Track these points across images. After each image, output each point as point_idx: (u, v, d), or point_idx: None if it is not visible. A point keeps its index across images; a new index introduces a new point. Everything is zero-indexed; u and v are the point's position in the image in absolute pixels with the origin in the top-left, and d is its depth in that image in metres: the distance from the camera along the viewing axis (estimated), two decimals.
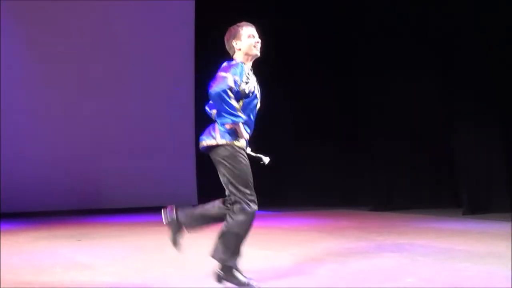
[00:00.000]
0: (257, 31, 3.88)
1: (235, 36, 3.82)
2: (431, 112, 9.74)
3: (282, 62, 10.85)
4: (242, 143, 3.71)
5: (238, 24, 3.88)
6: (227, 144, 3.66)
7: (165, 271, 4.37)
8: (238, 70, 3.69)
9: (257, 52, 3.82)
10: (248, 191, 3.61)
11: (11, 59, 9.72)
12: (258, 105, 3.88)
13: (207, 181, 10.91)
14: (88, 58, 10.39)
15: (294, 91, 11.02)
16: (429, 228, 6.98)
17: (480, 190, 8.90)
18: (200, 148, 3.86)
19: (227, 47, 3.90)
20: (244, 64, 3.78)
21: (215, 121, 3.77)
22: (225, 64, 3.81)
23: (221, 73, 3.68)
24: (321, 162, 10.69)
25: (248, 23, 3.89)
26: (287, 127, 11.04)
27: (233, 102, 3.62)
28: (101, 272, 4.32)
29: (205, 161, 11.86)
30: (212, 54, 10.77)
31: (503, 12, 8.30)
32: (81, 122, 10.18)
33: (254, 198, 3.64)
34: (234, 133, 3.66)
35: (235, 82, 3.63)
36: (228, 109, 3.60)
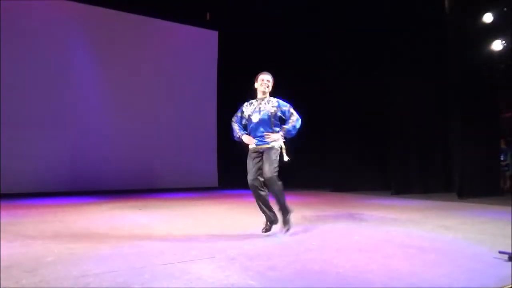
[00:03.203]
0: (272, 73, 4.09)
1: (256, 80, 4.04)
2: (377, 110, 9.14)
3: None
4: (251, 147, 3.98)
5: (260, 73, 4.08)
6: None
7: (197, 229, 4.39)
8: (245, 104, 4.10)
9: (263, 89, 4.00)
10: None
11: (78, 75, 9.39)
12: (255, 120, 3.99)
13: (225, 169, 11.00)
14: (144, 78, 10.15)
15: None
16: (370, 204, 6.95)
17: (404, 177, 8.90)
18: None
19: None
20: (256, 99, 4.04)
21: None
22: None
23: None
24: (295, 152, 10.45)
25: (264, 72, 4.06)
26: None
27: (234, 125, 4.08)
28: (155, 230, 4.33)
29: (223, 154, 11.67)
30: (231, 73, 10.78)
31: None
32: (141, 127, 10.16)
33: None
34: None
35: (240, 110, 4.10)
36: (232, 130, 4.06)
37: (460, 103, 7.81)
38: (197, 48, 11.00)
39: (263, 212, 4.00)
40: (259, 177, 3.86)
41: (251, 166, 3.91)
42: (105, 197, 8.31)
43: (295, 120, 3.91)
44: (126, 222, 4.85)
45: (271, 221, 4.01)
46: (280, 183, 3.83)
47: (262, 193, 3.90)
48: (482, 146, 7.77)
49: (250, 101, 4.10)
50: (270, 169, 3.76)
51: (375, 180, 9.68)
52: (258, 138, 3.94)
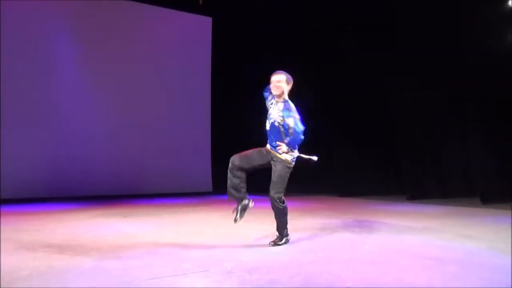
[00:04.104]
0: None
1: (270, 80, 4.07)
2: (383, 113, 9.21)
3: None
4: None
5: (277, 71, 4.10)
6: None
7: (190, 239, 4.40)
8: (270, 97, 4.16)
9: (275, 92, 4.02)
10: None
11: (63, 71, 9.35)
12: (267, 126, 4.05)
13: (220, 171, 10.92)
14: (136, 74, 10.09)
15: None
16: (382, 210, 6.96)
17: (420, 180, 8.89)
18: None
19: None
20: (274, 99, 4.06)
21: None
22: None
23: None
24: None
25: (277, 72, 4.08)
26: None
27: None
28: (142, 240, 4.34)
29: (218, 155, 11.55)
30: (226, 64, 10.73)
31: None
32: (126, 130, 10.07)
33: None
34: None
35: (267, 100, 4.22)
36: None
37: (481, 101, 7.82)
38: (189, 36, 10.95)
39: (231, 195, 3.99)
40: (244, 166, 3.92)
41: (250, 152, 3.99)
42: (87, 203, 8.28)
43: (292, 133, 3.91)
44: (110, 232, 4.85)
45: (242, 203, 4.00)
46: (284, 205, 3.92)
47: (235, 180, 3.94)
48: (509, 144, 7.77)
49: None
50: (275, 188, 3.87)
51: (388, 183, 9.65)
52: (272, 146, 4.00)
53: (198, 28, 11.13)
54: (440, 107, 8.60)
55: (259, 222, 5.22)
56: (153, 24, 10.50)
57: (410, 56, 8.62)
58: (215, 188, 10.95)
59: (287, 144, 3.91)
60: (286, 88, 4.03)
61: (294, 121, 3.90)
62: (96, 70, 9.78)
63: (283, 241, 4.01)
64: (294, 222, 5.08)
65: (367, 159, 9.59)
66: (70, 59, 9.58)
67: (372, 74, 9.24)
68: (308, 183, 10.55)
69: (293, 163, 3.97)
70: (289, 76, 4.08)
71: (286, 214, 3.97)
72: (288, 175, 3.93)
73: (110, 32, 9.96)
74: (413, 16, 8.66)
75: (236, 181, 3.94)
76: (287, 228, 4.04)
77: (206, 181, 11.07)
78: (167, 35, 10.67)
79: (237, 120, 10.13)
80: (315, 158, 4.03)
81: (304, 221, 5.53)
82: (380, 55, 9.03)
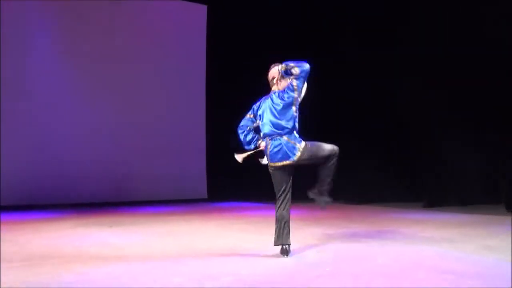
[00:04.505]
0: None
1: (267, 74, 4.22)
2: (409, 116, 9.21)
3: None
4: None
5: (271, 65, 4.22)
6: None
7: (182, 251, 4.37)
8: None
9: (274, 88, 4.18)
10: None
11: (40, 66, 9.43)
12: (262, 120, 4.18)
13: (216, 177, 10.92)
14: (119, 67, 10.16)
15: None
16: (395, 218, 6.94)
17: (438, 185, 8.86)
18: None
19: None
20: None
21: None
22: None
23: None
24: None
25: (274, 65, 4.19)
26: None
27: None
28: (129, 252, 4.32)
29: (214, 159, 11.55)
30: (222, 56, 10.73)
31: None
32: (113, 130, 10.11)
33: None
34: None
35: None
36: None
37: (498, 100, 7.85)
38: (182, 25, 10.96)
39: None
40: None
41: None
42: (68, 211, 8.27)
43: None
44: (93, 243, 4.84)
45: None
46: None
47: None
48: None
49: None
50: (325, 147, 4.19)
51: (401, 189, 9.63)
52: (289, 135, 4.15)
53: (192, 15, 11.13)
54: (453, 107, 8.63)
55: (258, 232, 5.19)
56: (142, 13, 10.51)
57: (420, 56, 8.77)
58: (210, 195, 10.95)
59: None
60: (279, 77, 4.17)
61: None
62: (75, 64, 9.77)
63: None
64: (299, 232, 5.06)
65: (376, 162, 9.58)
66: (45, 51, 9.55)
67: (378, 75, 9.40)
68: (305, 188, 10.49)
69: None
70: (278, 65, 4.14)
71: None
72: None
73: (93, 22, 9.96)
74: (412, 17, 8.92)
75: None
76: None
77: (200, 187, 11.06)
78: (157, 23, 10.69)
79: (234, 120, 10.12)
80: (264, 162, 4.11)
81: (309, 231, 5.50)
82: (382, 55, 9.25)
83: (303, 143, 4.01)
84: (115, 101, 10.12)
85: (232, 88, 10.19)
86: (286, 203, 4.05)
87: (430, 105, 8.80)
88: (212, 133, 10.89)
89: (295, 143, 3.98)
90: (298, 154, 3.96)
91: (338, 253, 4.17)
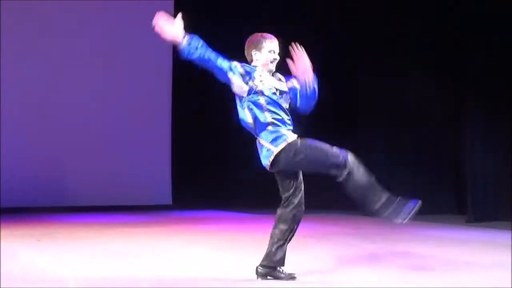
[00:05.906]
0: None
1: (256, 46, 4.12)
2: (435, 112, 9.69)
3: None
4: None
5: (262, 34, 4.16)
6: None
7: (138, 275, 4.36)
8: None
9: (272, 68, 4.12)
10: None
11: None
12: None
13: (183, 179, 10.91)
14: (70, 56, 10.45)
15: None
16: (429, 237, 6.97)
17: (487, 197, 8.91)
18: None
19: (245, 53, 4.18)
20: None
21: None
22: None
23: None
24: None
25: (273, 37, 4.14)
26: None
27: None
28: (60, 275, 4.32)
29: (180, 158, 11.68)
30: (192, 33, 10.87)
31: None
32: (49, 121, 10.25)
33: None
34: None
35: None
36: None
37: None
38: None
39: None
40: None
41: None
42: None
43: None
44: (16, 264, 4.80)
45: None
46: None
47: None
48: None
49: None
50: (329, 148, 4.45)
51: (437, 199, 9.65)
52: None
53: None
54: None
55: (244, 250, 5.19)
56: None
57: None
58: (175, 201, 10.97)
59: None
60: None
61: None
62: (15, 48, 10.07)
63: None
64: (302, 252, 5.10)
65: (403, 164, 9.76)
66: None
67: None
68: (323, 197, 10.61)
69: None
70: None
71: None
72: None
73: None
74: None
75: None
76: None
77: (163, 191, 11.10)
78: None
79: (204, 112, 10.56)
80: None
81: (316, 251, 5.56)
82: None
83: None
84: (60, 90, 10.40)
85: (202, 80, 10.35)
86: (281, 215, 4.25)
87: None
88: (180, 125, 11.03)
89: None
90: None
91: (352, 281, 4.16)
